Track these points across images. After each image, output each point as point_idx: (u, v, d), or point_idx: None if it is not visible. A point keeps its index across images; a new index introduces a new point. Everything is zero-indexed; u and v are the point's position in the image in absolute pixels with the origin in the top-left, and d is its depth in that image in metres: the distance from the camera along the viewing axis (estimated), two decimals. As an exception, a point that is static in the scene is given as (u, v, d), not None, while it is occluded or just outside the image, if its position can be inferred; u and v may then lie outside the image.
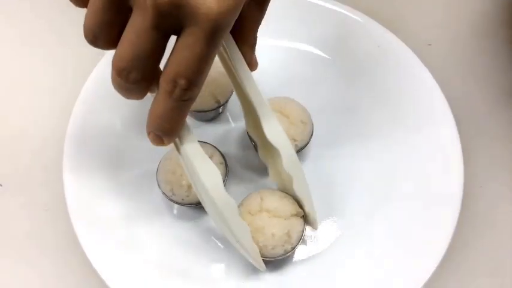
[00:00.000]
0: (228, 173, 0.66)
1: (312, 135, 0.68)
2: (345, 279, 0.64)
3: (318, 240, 0.66)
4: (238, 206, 0.63)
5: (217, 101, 0.69)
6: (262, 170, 0.71)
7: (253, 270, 0.64)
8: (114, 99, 0.71)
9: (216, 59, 0.69)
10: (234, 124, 0.74)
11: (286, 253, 0.61)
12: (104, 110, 0.72)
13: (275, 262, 0.64)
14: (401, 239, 0.65)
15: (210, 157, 0.64)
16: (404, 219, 0.66)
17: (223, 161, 0.66)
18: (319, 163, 0.72)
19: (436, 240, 0.64)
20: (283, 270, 0.65)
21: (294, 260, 0.65)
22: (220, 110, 0.72)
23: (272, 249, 0.60)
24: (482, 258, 0.69)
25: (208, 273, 0.64)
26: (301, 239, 0.61)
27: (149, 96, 0.75)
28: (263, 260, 0.61)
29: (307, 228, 0.65)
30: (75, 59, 0.81)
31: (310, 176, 0.69)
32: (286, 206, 0.61)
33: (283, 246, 0.60)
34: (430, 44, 0.83)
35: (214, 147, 0.66)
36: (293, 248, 0.61)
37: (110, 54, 0.73)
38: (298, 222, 0.61)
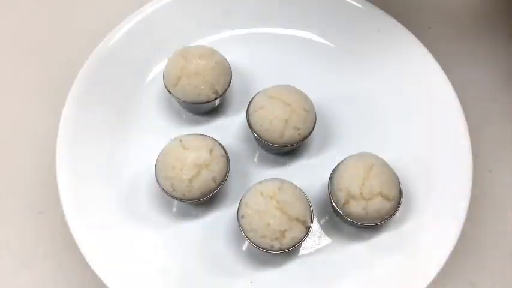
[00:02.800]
0: (229, 166, 0.63)
1: (315, 123, 0.65)
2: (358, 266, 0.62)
3: (324, 235, 0.64)
4: (257, 183, 0.60)
5: (215, 92, 0.66)
6: (263, 162, 0.69)
7: (260, 269, 0.62)
8: (107, 94, 0.70)
9: (214, 47, 0.68)
10: (233, 116, 0.71)
11: (271, 250, 0.58)
12: (95, 106, 0.69)
13: (282, 260, 0.62)
14: (412, 228, 0.63)
15: (211, 150, 0.61)
16: (414, 208, 0.64)
17: (224, 154, 0.63)
18: (324, 153, 0.69)
19: (447, 227, 0.61)
20: (290, 270, 0.62)
21: (301, 260, 0.63)
22: (218, 101, 0.69)
23: (261, 237, 0.57)
24: (493, 242, 0.67)
25: (213, 273, 0.62)
26: (293, 247, 0.58)
27: (143, 92, 0.73)
28: (248, 242, 0.58)
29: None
30: (62, 56, 0.78)
31: (314, 167, 0.68)
32: (297, 208, 0.58)
33: (272, 242, 0.57)
34: (430, 27, 0.82)
35: (215, 140, 0.64)
36: (280, 250, 0.58)
37: (99, 48, 0.71)
38: (299, 229, 0.58)
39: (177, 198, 0.61)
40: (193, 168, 0.59)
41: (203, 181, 0.60)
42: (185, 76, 0.65)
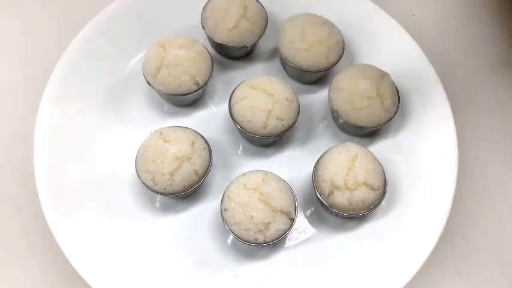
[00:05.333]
0: (212, 159, 0.62)
1: (298, 113, 0.64)
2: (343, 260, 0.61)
3: (309, 227, 0.63)
4: (241, 175, 0.59)
5: (196, 83, 0.65)
6: (248, 154, 0.67)
7: (245, 262, 0.61)
8: (85, 88, 0.67)
9: (195, 39, 0.66)
10: (216, 107, 0.70)
11: (256, 243, 0.57)
12: (73, 100, 0.67)
13: (267, 252, 0.61)
14: (397, 217, 0.63)
15: (192, 143, 0.60)
16: (399, 198, 0.64)
17: (206, 146, 0.62)
18: (308, 144, 0.68)
19: (433, 216, 0.61)
20: (275, 262, 0.61)
21: (286, 252, 0.62)
22: (200, 92, 0.67)
23: (244, 230, 0.56)
24: (480, 230, 0.67)
25: (197, 268, 0.61)
26: (278, 239, 0.57)
27: (123, 84, 0.71)
28: (232, 235, 0.57)
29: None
30: (38, 50, 0.76)
31: (298, 158, 0.67)
32: (281, 199, 0.57)
33: (256, 234, 0.56)
34: (413, 15, 0.81)
35: (197, 132, 0.62)
36: (265, 242, 0.57)
37: (76, 40, 0.68)
38: (283, 221, 0.57)
39: (158, 192, 0.60)
40: (174, 161, 0.58)
41: (185, 174, 0.59)
42: (165, 67, 0.63)
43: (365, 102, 0.62)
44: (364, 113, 0.63)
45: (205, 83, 0.66)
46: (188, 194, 0.61)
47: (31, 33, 0.78)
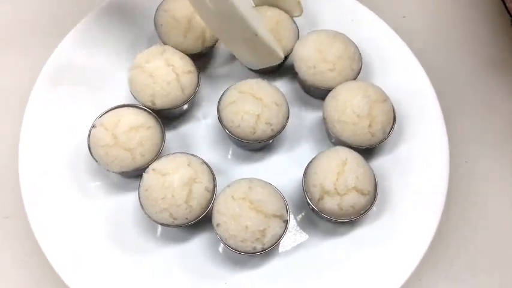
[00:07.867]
0: (211, 169, 0.61)
1: (288, 117, 0.63)
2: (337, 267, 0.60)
3: (301, 231, 0.63)
4: (226, 187, 0.58)
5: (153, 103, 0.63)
6: (237, 159, 0.67)
7: (236, 270, 0.60)
8: (69, 94, 0.67)
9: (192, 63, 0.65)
10: (203, 113, 0.69)
11: (254, 252, 0.56)
12: (58, 107, 0.66)
13: (259, 258, 0.60)
14: (389, 222, 0.62)
15: (189, 164, 0.58)
16: (390, 202, 0.63)
17: (201, 160, 0.60)
18: (298, 148, 0.68)
19: (424, 220, 0.61)
20: (266, 268, 0.60)
21: (278, 257, 0.61)
22: (186, 106, 0.67)
23: (241, 242, 0.55)
24: (471, 235, 0.66)
25: (187, 275, 0.60)
26: (275, 244, 0.56)
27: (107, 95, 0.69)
28: (229, 249, 0.56)
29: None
30: (22, 59, 0.75)
31: (288, 163, 0.66)
32: (272, 204, 0.56)
33: (253, 243, 0.55)
34: (404, 17, 0.80)
35: (185, 153, 0.61)
36: (263, 250, 0.56)
37: (59, 50, 0.68)
38: (278, 224, 0.56)
39: (180, 225, 0.57)
40: (183, 188, 0.56)
41: (198, 196, 0.57)
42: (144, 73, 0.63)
43: (353, 118, 0.61)
44: (348, 128, 0.61)
45: (172, 108, 0.64)
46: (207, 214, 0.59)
47: (13, 44, 0.77)
